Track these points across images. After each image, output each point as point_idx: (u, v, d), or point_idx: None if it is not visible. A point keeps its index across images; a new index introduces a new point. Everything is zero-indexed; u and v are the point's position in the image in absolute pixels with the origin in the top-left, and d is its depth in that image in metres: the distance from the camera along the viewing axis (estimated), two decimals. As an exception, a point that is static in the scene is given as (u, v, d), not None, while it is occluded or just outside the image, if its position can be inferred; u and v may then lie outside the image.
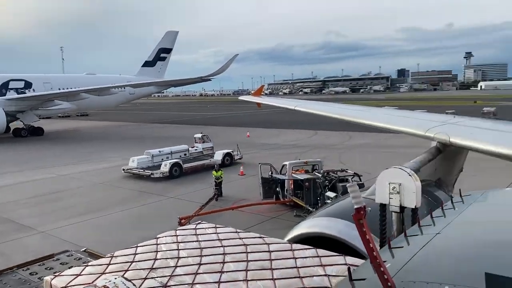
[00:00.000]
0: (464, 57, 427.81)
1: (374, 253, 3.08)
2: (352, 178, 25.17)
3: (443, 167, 14.61)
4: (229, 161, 38.62)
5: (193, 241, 5.74)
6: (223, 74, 78.22)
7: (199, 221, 6.81)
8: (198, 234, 6.00)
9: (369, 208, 3.40)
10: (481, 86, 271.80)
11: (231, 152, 39.32)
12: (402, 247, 4.01)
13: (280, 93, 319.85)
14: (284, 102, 24.81)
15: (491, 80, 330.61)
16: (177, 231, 6.13)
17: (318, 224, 7.59)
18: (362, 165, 31.91)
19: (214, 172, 28.37)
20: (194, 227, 6.32)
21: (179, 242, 5.70)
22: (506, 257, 3.48)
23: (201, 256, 5.23)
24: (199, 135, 42.92)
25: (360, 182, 23.83)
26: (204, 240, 5.78)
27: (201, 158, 39.38)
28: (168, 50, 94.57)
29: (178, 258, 5.20)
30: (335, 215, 7.54)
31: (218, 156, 38.63)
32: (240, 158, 39.81)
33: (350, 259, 5.10)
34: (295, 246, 5.84)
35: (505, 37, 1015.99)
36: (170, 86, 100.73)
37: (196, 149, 41.25)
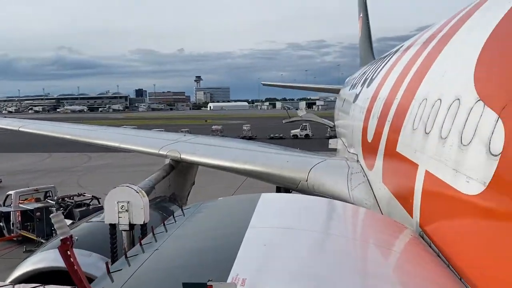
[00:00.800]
0: (195, 80, 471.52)
1: (84, 283, 3.02)
2: (91, 201, 24.08)
3: (176, 182, 15.68)
4: None
5: None
6: None
7: None
8: None
9: (76, 237, 3.32)
10: (210, 107, 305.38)
11: None
12: (121, 269, 4.07)
13: (3, 111, 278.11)
14: (5, 123, 21.74)
15: (218, 101, 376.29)
16: None
17: (46, 258, 6.93)
18: (104, 186, 30.86)
19: None
20: None
21: None
22: (212, 262, 4.00)
23: None
24: None
25: (99, 205, 23.02)
26: None
27: None
28: None
29: None
30: None
31: None
32: None
33: None
34: (17, 286, 5.14)
35: (227, 64, 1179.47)
36: None
37: None
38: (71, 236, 3.08)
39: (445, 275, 4.43)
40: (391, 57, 15.28)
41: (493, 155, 3.92)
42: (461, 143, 4.69)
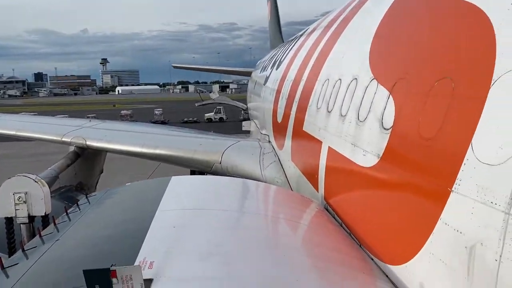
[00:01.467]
0: (101, 63, 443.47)
1: None
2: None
3: (83, 171, 14.81)
4: None
5: None
6: None
7: None
8: None
9: None
10: (118, 91, 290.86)
11: None
12: (18, 263, 3.79)
13: None
14: None
15: (127, 85, 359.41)
16: None
17: None
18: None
19: None
20: None
21: None
22: (119, 248, 3.87)
23: None
24: None
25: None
26: None
27: None
28: None
29: None
30: None
31: None
32: None
33: None
34: None
35: (135, 46, 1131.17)
36: None
37: None
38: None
39: (347, 243, 4.76)
40: (298, 40, 15.79)
41: (385, 129, 4.25)
42: (358, 119, 5.02)
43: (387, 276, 3.94)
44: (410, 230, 3.67)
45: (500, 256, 2.47)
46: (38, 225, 6.20)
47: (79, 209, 5.32)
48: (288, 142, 10.16)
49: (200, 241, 3.91)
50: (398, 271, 3.75)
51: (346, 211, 5.39)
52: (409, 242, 3.62)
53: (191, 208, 4.83)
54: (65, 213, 5.17)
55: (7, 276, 3.52)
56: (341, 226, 5.33)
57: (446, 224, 3.04)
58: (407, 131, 3.92)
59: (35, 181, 6.23)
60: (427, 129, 3.48)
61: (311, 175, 7.12)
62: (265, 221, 5.09)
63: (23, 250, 4.08)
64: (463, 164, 2.91)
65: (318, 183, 6.62)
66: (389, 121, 4.20)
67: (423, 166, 3.50)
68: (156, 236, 3.81)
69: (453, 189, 2.98)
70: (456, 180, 2.96)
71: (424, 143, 3.49)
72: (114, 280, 2.68)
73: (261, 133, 17.52)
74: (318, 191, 6.63)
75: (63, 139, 14.73)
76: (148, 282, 2.95)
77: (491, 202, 2.60)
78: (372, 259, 4.30)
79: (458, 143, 3.03)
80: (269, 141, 14.33)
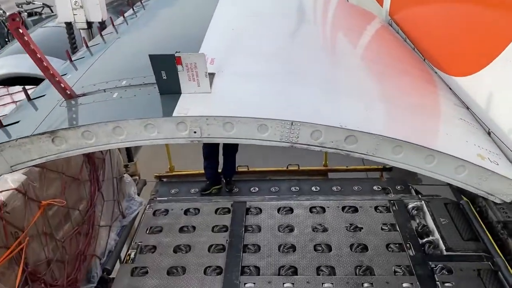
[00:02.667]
0: None
1: (44, 63, 2.85)
2: (42, 10, 22.28)
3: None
4: None
5: None
6: None
7: None
8: None
9: (25, 13, 2.99)
10: None
11: None
12: (84, 57, 3.94)
13: None
14: None
15: None
16: None
17: (5, 64, 6.67)
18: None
19: None
20: None
21: None
22: (178, 45, 3.87)
23: None
24: None
25: (53, 14, 21.40)
26: None
27: None
28: None
29: None
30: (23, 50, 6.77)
31: None
32: None
33: None
34: None
35: None
36: None
37: None
38: (19, 13, 2.78)
39: (410, 55, 4.55)
40: None
41: None
42: None
43: (450, 88, 3.82)
44: (486, 39, 3.37)
45: None
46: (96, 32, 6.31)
47: (135, 14, 5.28)
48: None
49: (260, 43, 3.83)
50: (463, 82, 3.60)
51: (412, 24, 5.02)
52: (481, 52, 3.37)
53: (250, 14, 4.63)
54: (122, 17, 5.16)
55: (76, 68, 3.71)
56: (405, 41, 5.03)
57: (534, 27, 2.73)
58: None
59: (86, -17, 6.06)
60: None
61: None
62: (327, 30, 4.87)
63: (87, 46, 4.21)
64: None
65: (383, -2, 6.06)
66: None
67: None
68: (215, 36, 3.76)
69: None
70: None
71: None
72: (179, 67, 2.72)
73: None
74: (383, 6, 6.13)
75: None
76: (211, 75, 3.00)
77: None
78: (436, 73, 4.14)
79: None
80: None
